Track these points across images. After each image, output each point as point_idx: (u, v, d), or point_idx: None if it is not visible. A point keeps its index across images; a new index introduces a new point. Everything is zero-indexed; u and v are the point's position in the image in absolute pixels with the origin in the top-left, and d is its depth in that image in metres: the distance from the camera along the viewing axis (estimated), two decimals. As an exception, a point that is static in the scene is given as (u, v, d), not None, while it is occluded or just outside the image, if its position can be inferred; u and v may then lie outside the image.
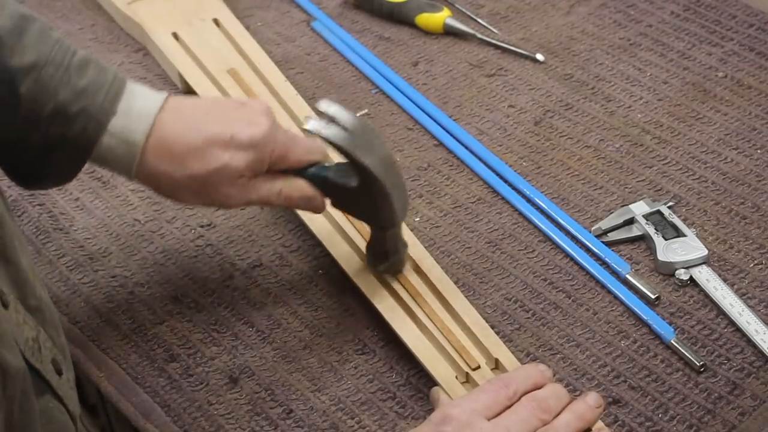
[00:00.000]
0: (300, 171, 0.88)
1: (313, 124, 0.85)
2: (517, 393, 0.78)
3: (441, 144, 1.10)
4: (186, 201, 0.90)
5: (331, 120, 0.85)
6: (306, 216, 0.98)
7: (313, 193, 0.89)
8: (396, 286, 0.92)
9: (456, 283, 0.93)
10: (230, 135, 0.84)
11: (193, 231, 1.02)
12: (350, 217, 0.97)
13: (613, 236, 0.98)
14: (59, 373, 0.73)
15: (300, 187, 0.88)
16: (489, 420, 0.76)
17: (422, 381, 0.87)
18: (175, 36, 1.19)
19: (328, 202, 0.90)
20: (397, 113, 1.14)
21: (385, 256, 0.91)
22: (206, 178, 0.84)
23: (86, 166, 0.85)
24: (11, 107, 0.80)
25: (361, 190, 0.87)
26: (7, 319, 0.66)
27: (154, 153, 0.83)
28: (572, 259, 0.97)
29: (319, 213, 0.92)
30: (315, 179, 0.88)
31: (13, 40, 0.81)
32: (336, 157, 0.88)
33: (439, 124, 1.12)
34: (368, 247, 0.93)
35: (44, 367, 0.71)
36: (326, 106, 0.86)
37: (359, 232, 0.96)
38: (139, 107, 0.83)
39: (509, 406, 0.77)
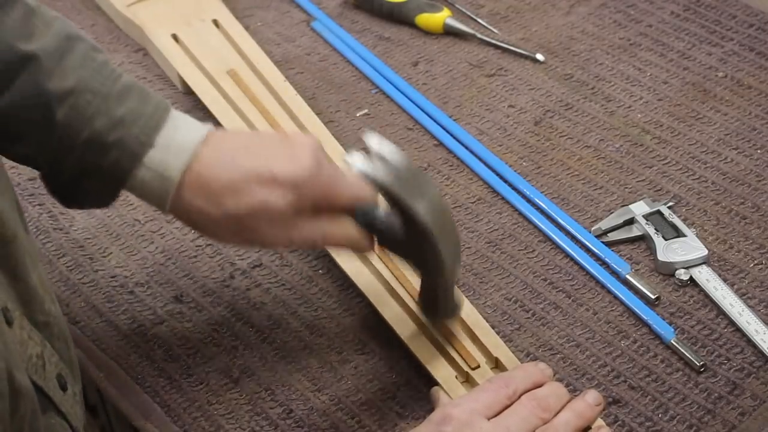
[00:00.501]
0: (347, 210, 0.82)
1: (360, 162, 0.79)
2: (517, 392, 0.78)
3: (441, 144, 1.10)
4: (224, 239, 0.86)
5: (380, 159, 0.79)
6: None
7: (359, 234, 0.82)
8: (397, 287, 0.92)
9: (456, 283, 0.93)
10: (270, 171, 0.78)
11: (192, 231, 1.02)
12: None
13: (613, 236, 0.98)
14: (63, 388, 0.73)
15: (346, 228, 0.82)
16: (489, 419, 0.76)
17: (422, 381, 0.87)
18: (175, 37, 1.19)
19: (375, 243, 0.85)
20: (397, 113, 1.14)
21: (434, 307, 0.87)
22: (243, 216, 0.79)
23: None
24: (46, 131, 0.78)
25: (410, 236, 0.81)
26: (11, 337, 0.65)
27: (191, 188, 0.79)
28: (572, 259, 0.97)
29: (366, 253, 0.86)
30: (362, 220, 0.82)
31: (53, 63, 0.78)
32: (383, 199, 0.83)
33: (439, 124, 1.11)
34: (419, 294, 0.89)
35: (47, 384, 0.70)
36: (376, 143, 0.80)
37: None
38: (179, 140, 0.79)
39: (509, 405, 0.77)
